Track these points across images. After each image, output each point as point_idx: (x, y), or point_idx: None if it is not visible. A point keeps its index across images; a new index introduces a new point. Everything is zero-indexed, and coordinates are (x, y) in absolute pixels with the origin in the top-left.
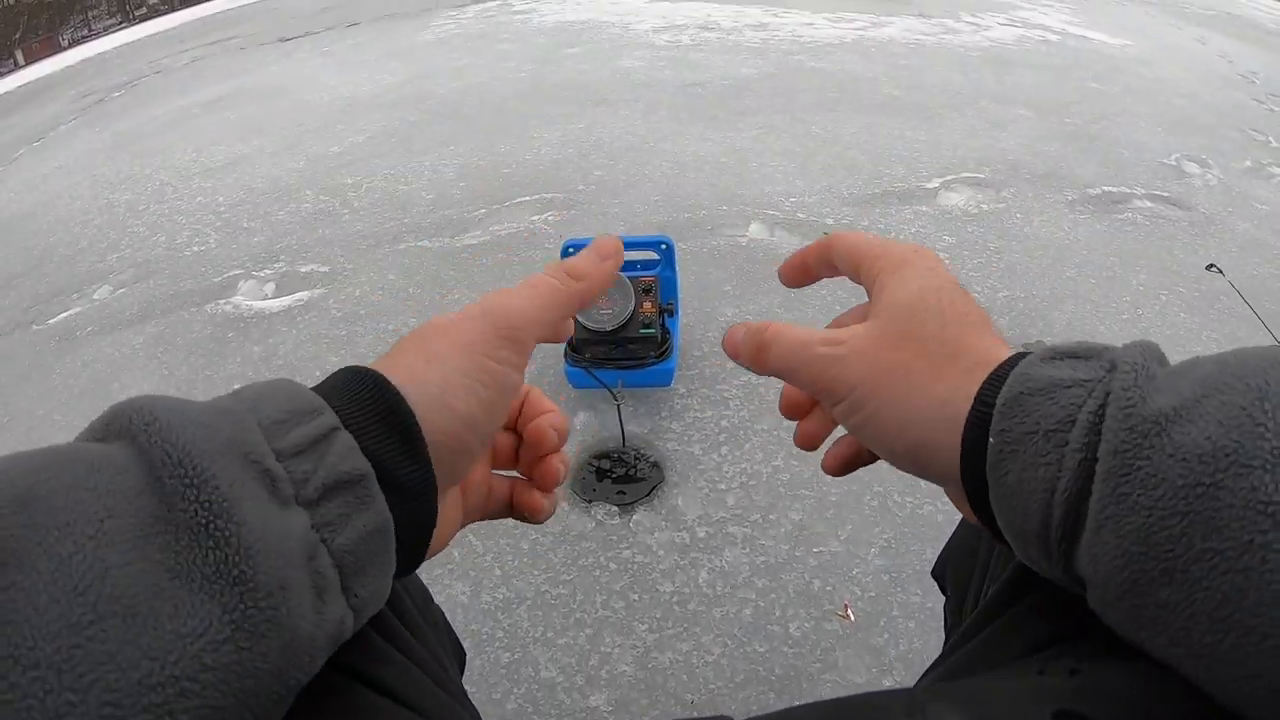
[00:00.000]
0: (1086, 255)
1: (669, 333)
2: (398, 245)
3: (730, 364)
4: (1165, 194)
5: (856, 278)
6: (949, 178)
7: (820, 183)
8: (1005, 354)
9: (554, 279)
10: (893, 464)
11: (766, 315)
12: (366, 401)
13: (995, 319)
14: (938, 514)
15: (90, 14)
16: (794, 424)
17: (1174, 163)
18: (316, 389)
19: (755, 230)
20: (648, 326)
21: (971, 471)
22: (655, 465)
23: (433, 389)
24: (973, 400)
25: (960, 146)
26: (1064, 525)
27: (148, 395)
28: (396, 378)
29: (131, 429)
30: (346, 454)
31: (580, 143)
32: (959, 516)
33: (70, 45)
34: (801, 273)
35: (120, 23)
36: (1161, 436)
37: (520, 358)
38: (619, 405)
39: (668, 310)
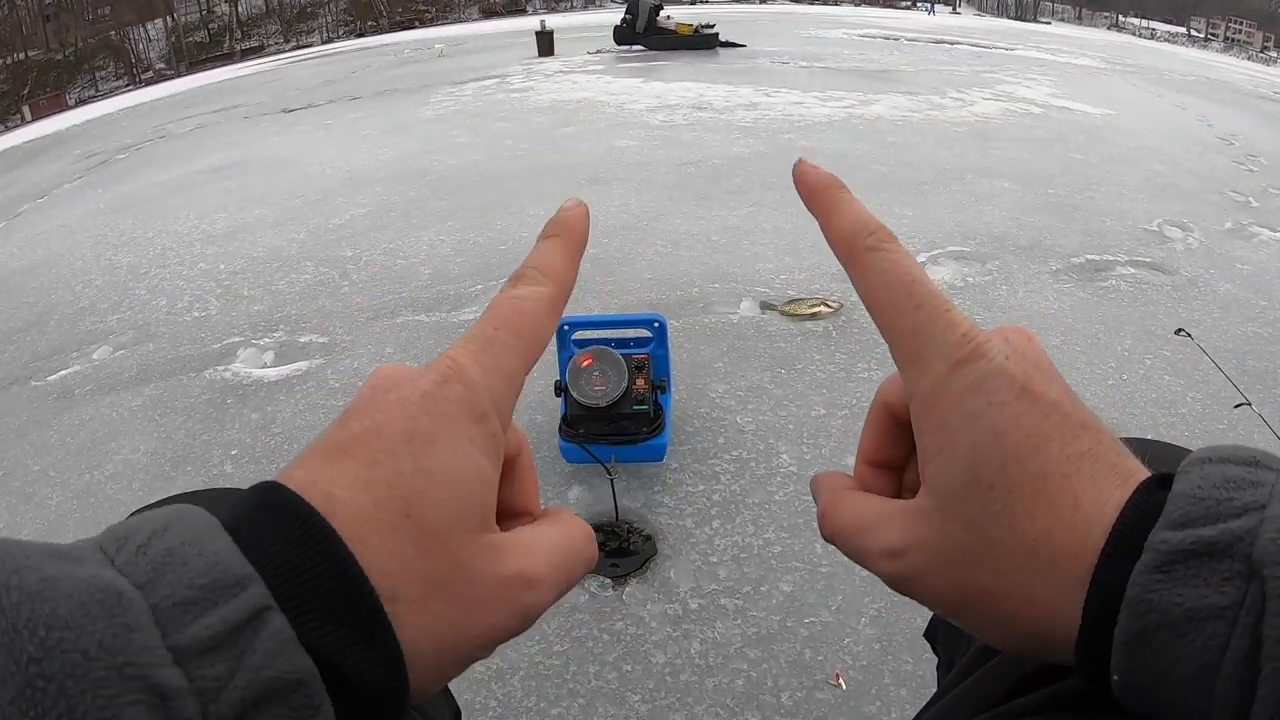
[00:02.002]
0: (1071, 323)
1: (662, 409)
2: (395, 318)
3: (721, 439)
4: (1148, 259)
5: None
6: (936, 252)
7: (810, 260)
8: (1100, 536)
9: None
10: None
11: (757, 392)
12: (309, 560)
13: None
14: None
15: (98, 74)
16: (784, 497)
17: (1156, 228)
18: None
19: (746, 308)
20: (641, 403)
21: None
22: (648, 538)
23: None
24: (1077, 632)
25: (946, 220)
26: None
27: (11, 547)
28: (346, 516)
29: None
30: (278, 649)
31: None
32: None
33: (77, 104)
34: (883, 442)
35: (127, 85)
36: None
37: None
38: (612, 480)
39: (660, 387)
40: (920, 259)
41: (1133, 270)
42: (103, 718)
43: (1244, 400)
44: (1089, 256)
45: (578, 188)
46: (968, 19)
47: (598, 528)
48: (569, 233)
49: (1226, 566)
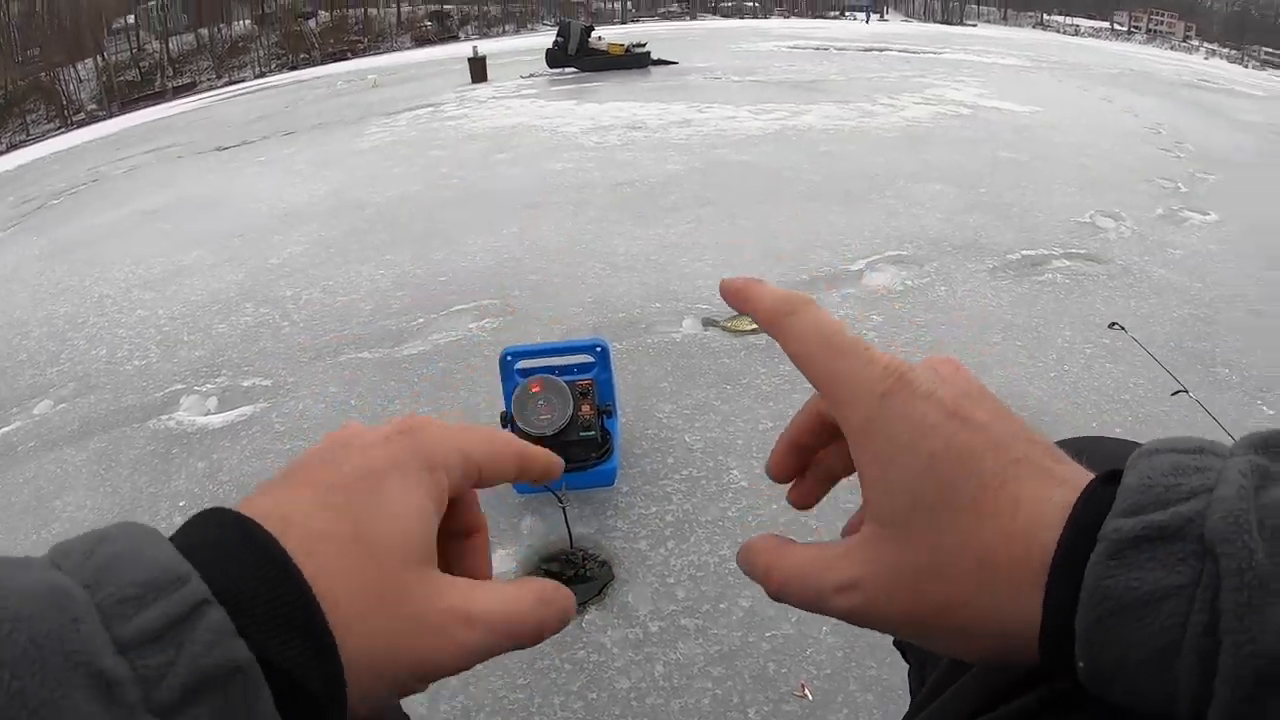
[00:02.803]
0: (1010, 319)
1: (609, 433)
2: (338, 357)
3: (671, 459)
4: (1082, 251)
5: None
6: (873, 258)
7: (749, 272)
8: (1052, 532)
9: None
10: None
11: (704, 409)
12: (248, 561)
13: None
14: None
15: (29, 118)
16: (736, 512)
17: (1089, 219)
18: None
19: (688, 326)
20: (587, 429)
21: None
22: (604, 564)
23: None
24: (1040, 626)
25: (883, 226)
26: None
27: None
28: (294, 537)
29: None
30: (217, 640)
31: (514, 247)
32: None
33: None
34: (793, 455)
35: (58, 128)
36: None
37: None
38: (564, 508)
39: (605, 411)
40: (858, 266)
41: (1068, 262)
42: (51, 699)
43: (1181, 388)
44: (1024, 252)
45: (515, 214)
46: (896, 25)
47: (553, 557)
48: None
49: (1180, 548)
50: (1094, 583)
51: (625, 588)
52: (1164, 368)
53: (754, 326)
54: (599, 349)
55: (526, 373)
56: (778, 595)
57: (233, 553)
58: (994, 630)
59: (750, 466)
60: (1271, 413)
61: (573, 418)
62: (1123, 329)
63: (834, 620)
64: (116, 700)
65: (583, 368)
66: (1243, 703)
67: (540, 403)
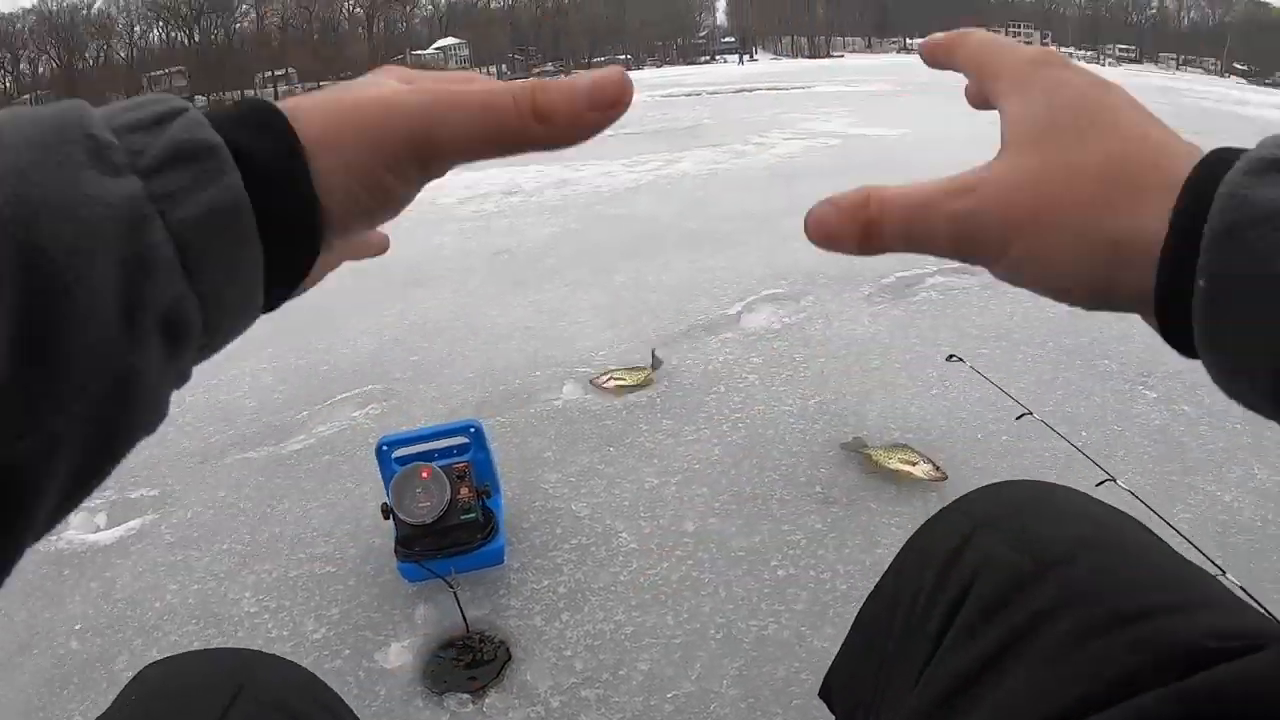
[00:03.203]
0: (889, 343)
1: (491, 513)
2: (225, 459)
3: (559, 529)
4: (954, 265)
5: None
6: (750, 299)
7: (628, 330)
8: (1186, 160)
9: (513, 110)
10: (1075, 306)
11: (589, 475)
12: (243, 105)
13: (809, 425)
14: (783, 631)
15: None
16: (628, 576)
17: None
18: None
19: (569, 391)
20: (468, 512)
21: (1173, 312)
22: (501, 644)
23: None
24: (1166, 233)
25: (758, 266)
26: None
27: None
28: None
29: None
30: (192, 126)
31: (395, 328)
32: (811, 630)
33: None
34: (937, 61)
35: None
36: None
37: (422, 180)
38: (455, 593)
39: (484, 492)
40: (735, 309)
41: (941, 279)
42: (52, 144)
43: (1025, 410)
44: (899, 274)
45: (397, 293)
46: (766, 65)
47: (449, 643)
48: (613, 105)
49: None
50: (1232, 191)
51: (524, 666)
52: (1005, 392)
53: (635, 382)
54: (473, 429)
55: (405, 460)
56: (874, 221)
57: (238, 104)
58: (1110, 236)
59: (639, 527)
60: (1154, 395)
61: (451, 502)
62: (961, 360)
63: (734, 673)
64: (105, 160)
65: (460, 449)
66: None
67: (418, 491)
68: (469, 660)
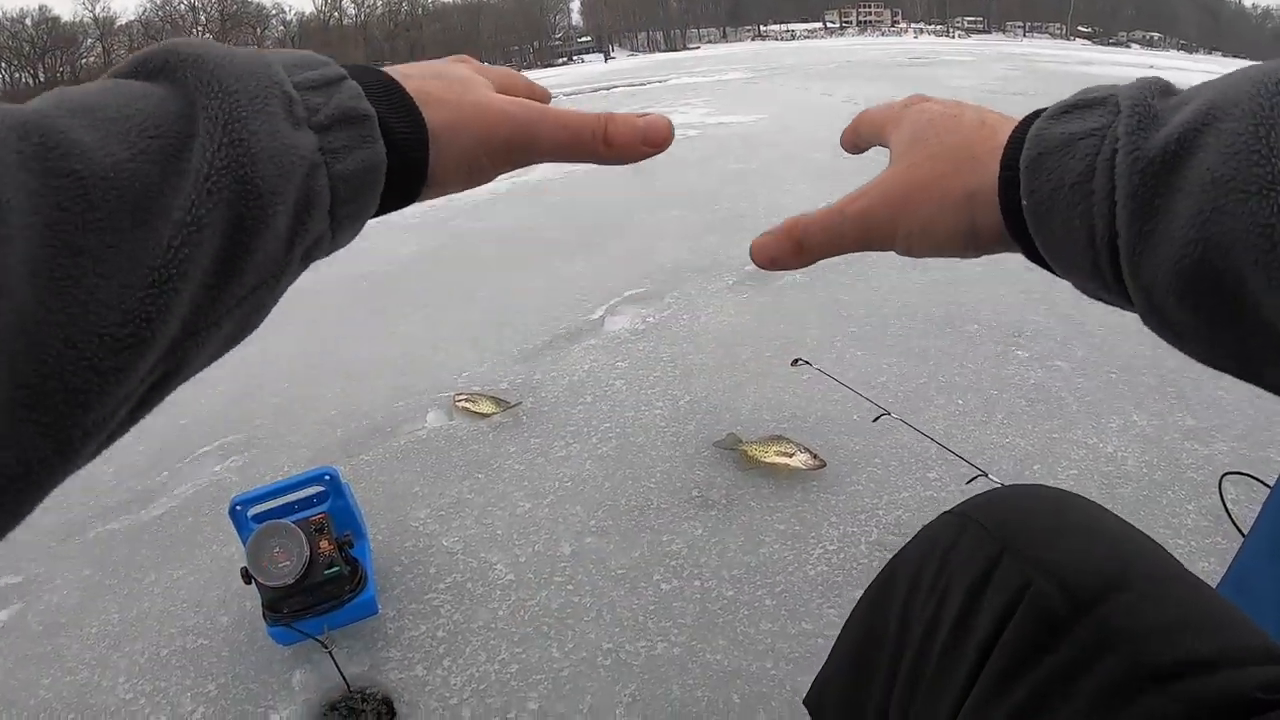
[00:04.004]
0: (757, 330)
1: (357, 561)
2: (87, 534)
3: (433, 568)
4: None
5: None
6: (612, 302)
7: (490, 349)
8: (1013, 125)
9: (589, 135)
10: (963, 257)
11: (459, 506)
12: (370, 75)
13: (681, 426)
14: (674, 648)
15: None
16: (507, 610)
17: None
18: None
19: (433, 419)
20: (331, 566)
21: (1018, 234)
22: (384, 701)
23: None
24: (998, 173)
25: (620, 268)
26: (1112, 265)
27: (179, 40)
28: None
29: (168, 68)
30: (355, 96)
31: (253, 372)
32: (701, 643)
33: None
34: (852, 146)
35: None
36: (1170, 174)
37: (510, 170)
38: (330, 652)
39: (346, 542)
40: (598, 313)
41: None
42: (261, 96)
43: (883, 411)
44: None
45: (255, 333)
46: (624, 62)
47: (333, 706)
48: (659, 144)
49: (1100, 110)
50: (1035, 133)
51: None
52: (855, 391)
53: (493, 411)
54: (327, 477)
55: (262, 517)
56: (801, 237)
57: (364, 71)
58: (963, 192)
59: (514, 556)
60: (1026, 355)
61: (311, 557)
62: (808, 363)
63: (627, 699)
64: (294, 115)
65: (320, 498)
66: (1130, 198)
67: (275, 550)
68: None
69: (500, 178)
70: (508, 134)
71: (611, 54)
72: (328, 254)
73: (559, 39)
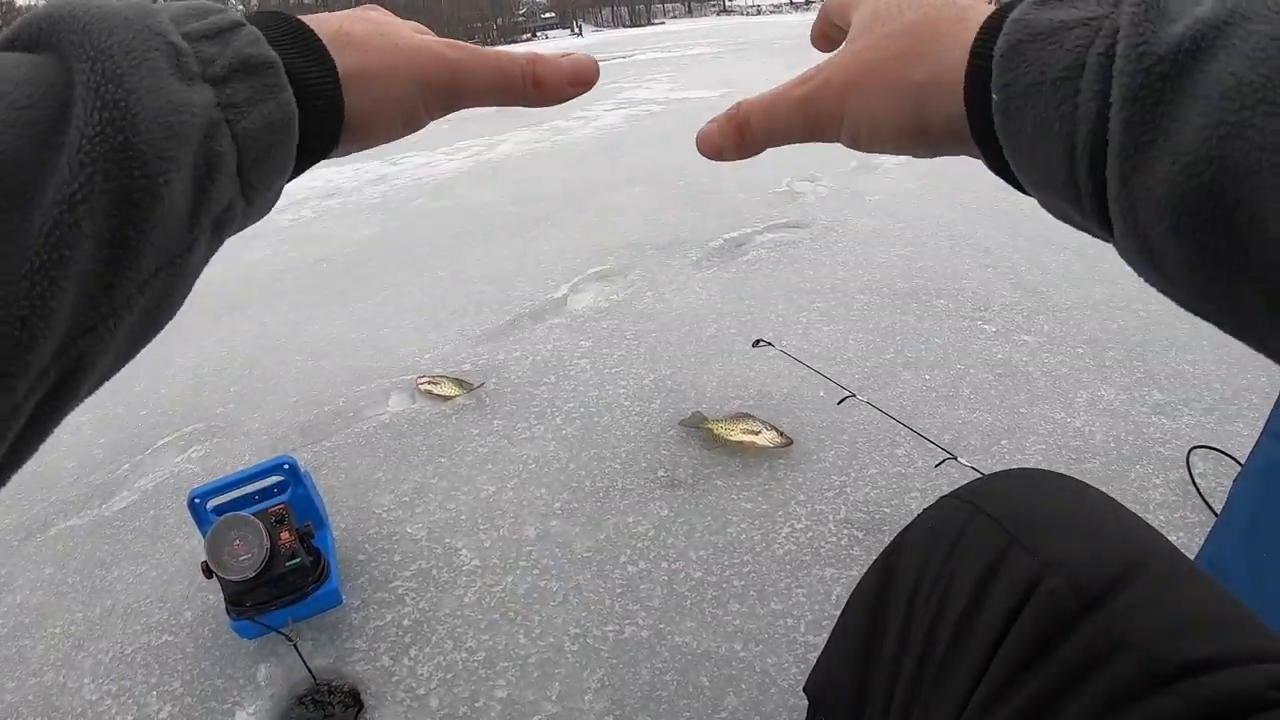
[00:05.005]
0: (722, 307)
1: (320, 552)
2: (48, 532)
3: (397, 556)
4: (784, 219)
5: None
6: (575, 279)
7: (453, 329)
8: (988, 9)
9: (519, 77)
10: (916, 156)
11: (423, 492)
12: (276, 19)
13: (646, 405)
14: (641, 631)
15: None
16: (474, 596)
17: (786, 188)
18: None
19: (395, 402)
20: (293, 558)
21: (983, 134)
22: (351, 693)
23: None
24: (967, 60)
25: (583, 243)
26: (1092, 180)
27: (56, 2)
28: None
29: (42, 35)
30: (253, 41)
31: (214, 358)
32: (669, 626)
33: None
34: (825, 41)
35: None
36: (1181, 76)
37: (440, 115)
38: (295, 645)
39: (307, 532)
40: (561, 291)
41: (771, 235)
42: (140, 51)
43: (848, 393)
44: (727, 236)
45: (214, 320)
46: (590, 37)
47: (299, 700)
48: (585, 84)
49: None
50: (1017, 16)
51: (376, 714)
52: (820, 374)
53: (455, 394)
54: (286, 466)
55: (222, 509)
56: (745, 119)
57: (269, 16)
58: (916, 79)
59: (479, 541)
60: (993, 329)
61: (272, 549)
62: (770, 345)
63: (595, 685)
64: (183, 68)
65: (280, 487)
66: (1129, 100)
67: (236, 542)
68: (321, 716)
69: (460, 155)
70: (443, 76)
71: (578, 30)
72: (244, 225)
73: (522, 14)
